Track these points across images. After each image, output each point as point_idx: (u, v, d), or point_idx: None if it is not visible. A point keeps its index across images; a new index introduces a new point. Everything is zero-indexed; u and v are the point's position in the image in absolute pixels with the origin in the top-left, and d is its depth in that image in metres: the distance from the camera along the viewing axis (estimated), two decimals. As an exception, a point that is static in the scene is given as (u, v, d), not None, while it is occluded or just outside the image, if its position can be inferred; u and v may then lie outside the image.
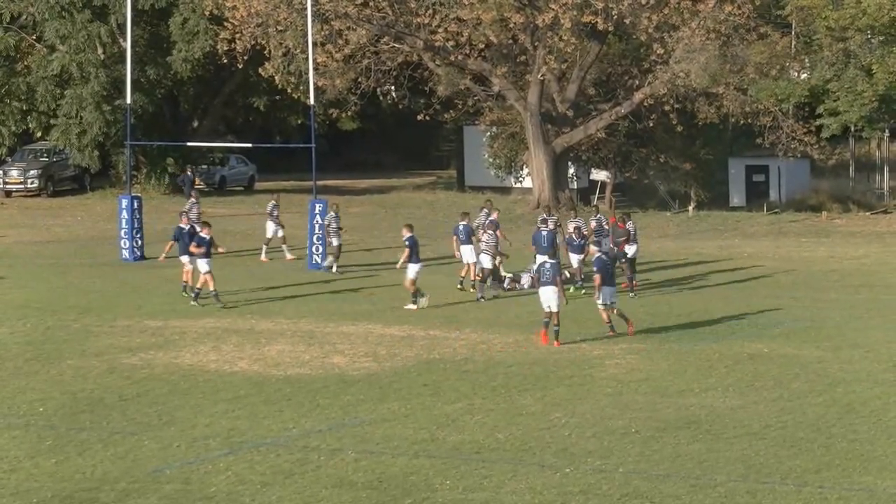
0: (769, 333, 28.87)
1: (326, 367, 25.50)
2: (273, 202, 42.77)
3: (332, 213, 39.09)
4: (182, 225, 34.80)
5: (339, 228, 39.02)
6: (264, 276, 38.01)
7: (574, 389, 23.49)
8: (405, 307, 32.11)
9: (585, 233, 36.16)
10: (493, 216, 37.02)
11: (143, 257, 42.25)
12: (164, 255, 35.78)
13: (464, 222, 36.26)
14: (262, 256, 41.89)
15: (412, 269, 32.32)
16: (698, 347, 27.19)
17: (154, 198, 59.40)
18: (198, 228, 34.45)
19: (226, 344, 27.74)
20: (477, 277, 34.66)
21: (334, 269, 38.60)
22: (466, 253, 35.73)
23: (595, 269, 29.01)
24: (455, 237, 36.39)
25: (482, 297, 33.81)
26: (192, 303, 32.55)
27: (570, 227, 36.43)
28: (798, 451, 19.31)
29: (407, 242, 32.39)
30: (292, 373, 24.95)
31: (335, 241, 38.74)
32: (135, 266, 41.21)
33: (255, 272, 38.34)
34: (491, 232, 35.03)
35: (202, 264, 32.66)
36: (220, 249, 34.03)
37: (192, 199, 44.39)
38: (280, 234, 42.15)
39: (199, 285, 32.75)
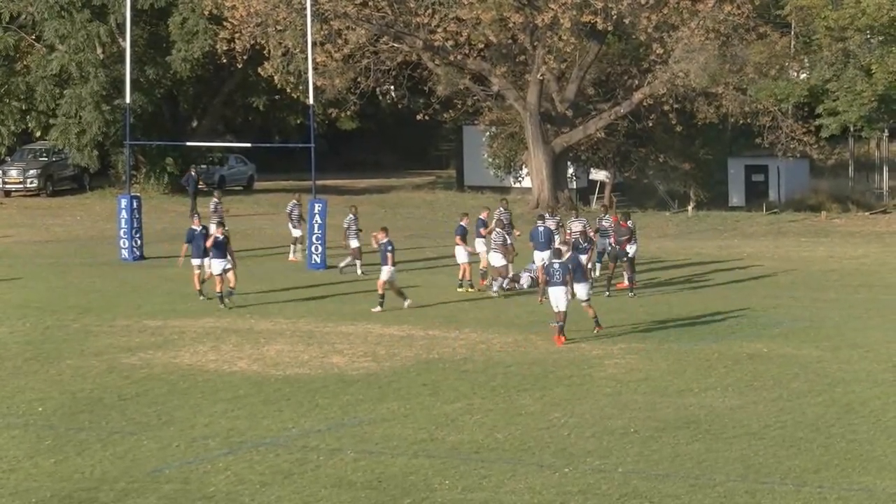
0: (769, 333, 28.88)
1: (326, 366, 25.50)
2: (294, 201, 42.33)
3: (351, 216, 38.85)
4: (194, 226, 34.37)
5: (359, 230, 38.71)
6: (264, 276, 38.00)
7: (573, 389, 23.50)
8: (372, 310, 31.69)
9: (591, 235, 36.02)
10: (482, 215, 37.06)
11: (143, 257, 42.23)
12: (181, 258, 35.26)
13: (462, 222, 36.24)
14: (295, 255, 41.59)
15: (385, 272, 32.13)
16: (698, 347, 27.19)
17: (153, 197, 59.42)
18: (212, 229, 34.13)
19: (225, 344, 27.74)
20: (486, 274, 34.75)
21: (360, 271, 37.95)
22: (460, 254, 35.71)
23: (570, 266, 29.12)
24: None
25: (497, 293, 33.78)
26: (229, 307, 32.04)
27: (575, 227, 36.40)
28: (797, 451, 19.31)
29: (389, 247, 32.19)
30: (291, 373, 24.95)
31: (354, 244, 38.31)
32: (134, 266, 41.20)
33: (254, 272, 38.31)
34: (499, 230, 35.03)
35: (216, 265, 32.47)
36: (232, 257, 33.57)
37: (216, 199, 44.16)
38: (297, 234, 41.85)
39: (231, 285, 32.44)
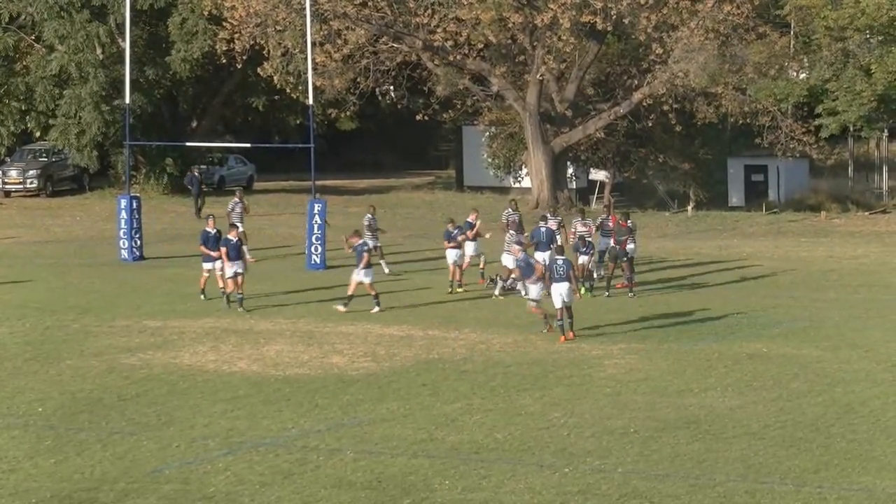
0: (768, 333, 28.88)
1: (325, 367, 25.50)
2: None
3: (369, 215, 38.79)
4: (208, 229, 34.09)
5: (378, 230, 38.50)
6: (263, 276, 37.97)
7: (573, 389, 23.50)
8: (371, 311, 31.55)
9: (590, 240, 35.95)
10: (470, 217, 36.96)
11: (143, 257, 42.21)
12: (217, 255, 34.74)
13: (449, 226, 36.25)
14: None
15: (360, 274, 32.05)
16: (697, 347, 27.19)
17: (153, 198, 59.38)
18: (236, 228, 33.88)
19: (225, 344, 27.74)
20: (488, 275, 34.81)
21: (386, 270, 37.91)
22: (450, 255, 35.67)
23: (523, 265, 29.52)
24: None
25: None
26: (239, 309, 31.85)
27: (578, 227, 36.37)
28: (797, 451, 19.31)
29: (364, 247, 32.10)
30: (291, 373, 24.95)
31: (372, 243, 38.08)
32: (134, 266, 41.19)
33: (254, 272, 38.27)
34: (512, 231, 35.02)
35: (228, 268, 32.35)
36: (248, 258, 33.46)
37: (236, 199, 43.90)
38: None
39: (239, 290, 32.26)
